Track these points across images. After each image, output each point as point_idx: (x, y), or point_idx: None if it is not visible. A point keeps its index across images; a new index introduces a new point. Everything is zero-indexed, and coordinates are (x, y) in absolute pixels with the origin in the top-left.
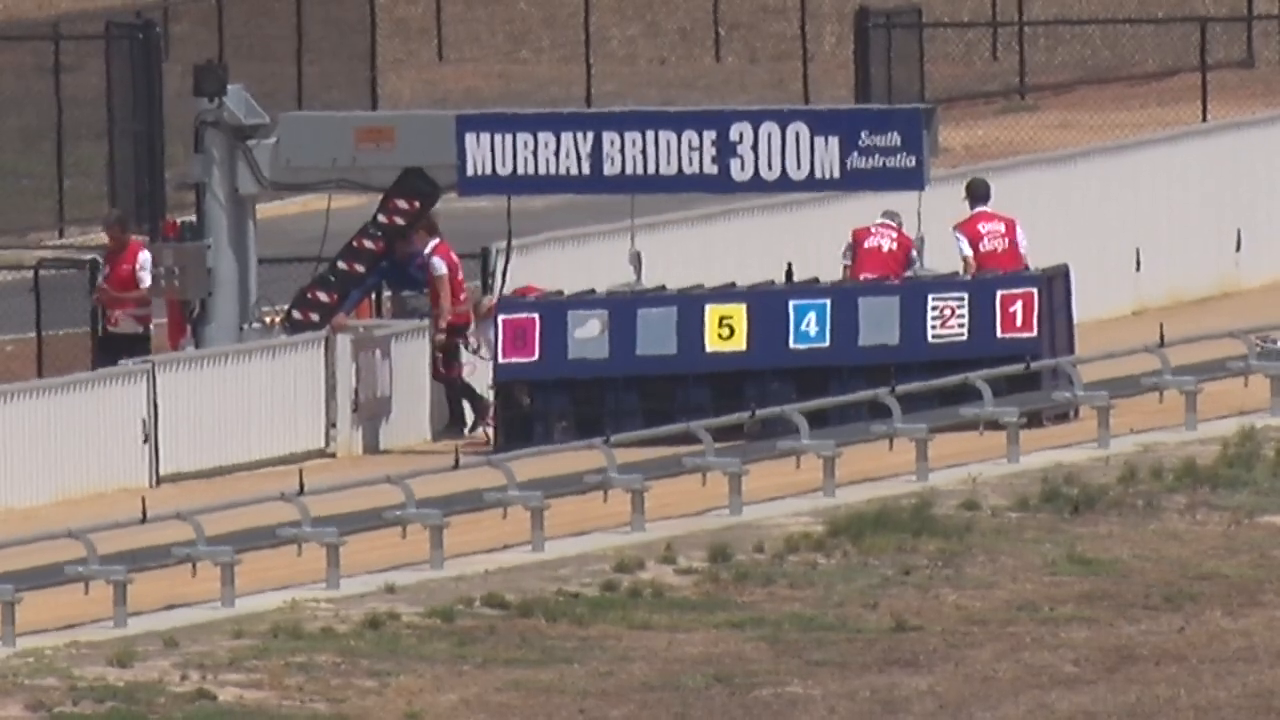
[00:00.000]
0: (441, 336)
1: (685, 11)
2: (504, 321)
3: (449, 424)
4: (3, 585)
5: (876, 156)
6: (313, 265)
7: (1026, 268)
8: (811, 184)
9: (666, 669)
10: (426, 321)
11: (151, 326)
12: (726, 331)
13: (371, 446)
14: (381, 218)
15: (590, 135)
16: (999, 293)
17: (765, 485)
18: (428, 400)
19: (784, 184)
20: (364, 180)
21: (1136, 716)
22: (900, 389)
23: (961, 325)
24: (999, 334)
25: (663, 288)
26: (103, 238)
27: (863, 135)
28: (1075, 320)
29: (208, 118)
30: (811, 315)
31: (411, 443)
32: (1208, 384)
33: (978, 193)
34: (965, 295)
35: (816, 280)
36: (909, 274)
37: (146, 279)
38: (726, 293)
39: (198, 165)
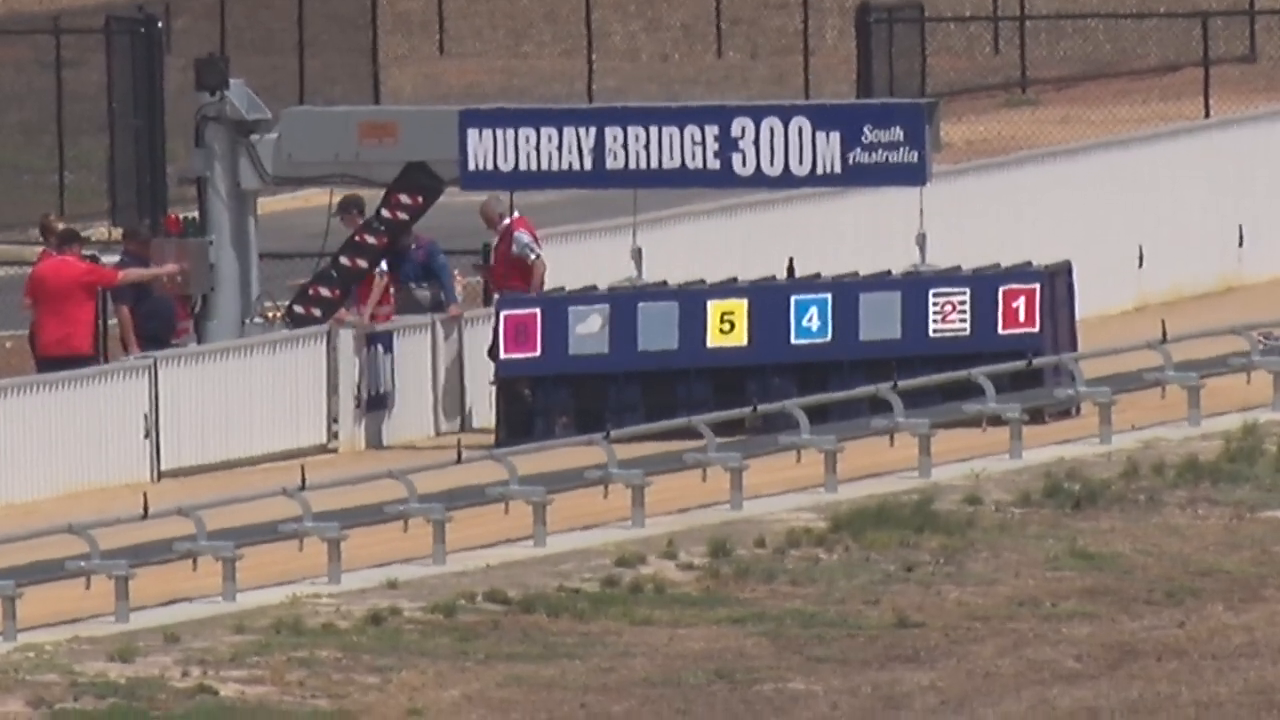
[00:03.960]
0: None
1: (687, 7)
2: (505, 317)
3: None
4: (4, 580)
5: (879, 151)
6: (314, 260)
7: None
8: (814, 179)
9: (668, 664)
10: (430, 316)
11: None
12: (728, 327)
13: (374, 441)
14: (385, 213)
15: (592, 130)
16: (1001, 288)
17: (766, 480)
18: (430, 395)
19: (786, 179)
20: (366, 175)
21: (1138, 712)
22: (902, 384)
23: (963, 320)
24: (1001, 329)
25: (664, 283)
26: (102, 232)
27: (865, 130)
28: (1077, 316)
29: (209, 112)
30: (813, 310)
31: (413, 438)
32: (1210, 379)
33: (363, 206)
34: (967, 291)
35: (818, 275)
36: (912, 268)
37: None
38: (728, 288)
39: (199, 160)
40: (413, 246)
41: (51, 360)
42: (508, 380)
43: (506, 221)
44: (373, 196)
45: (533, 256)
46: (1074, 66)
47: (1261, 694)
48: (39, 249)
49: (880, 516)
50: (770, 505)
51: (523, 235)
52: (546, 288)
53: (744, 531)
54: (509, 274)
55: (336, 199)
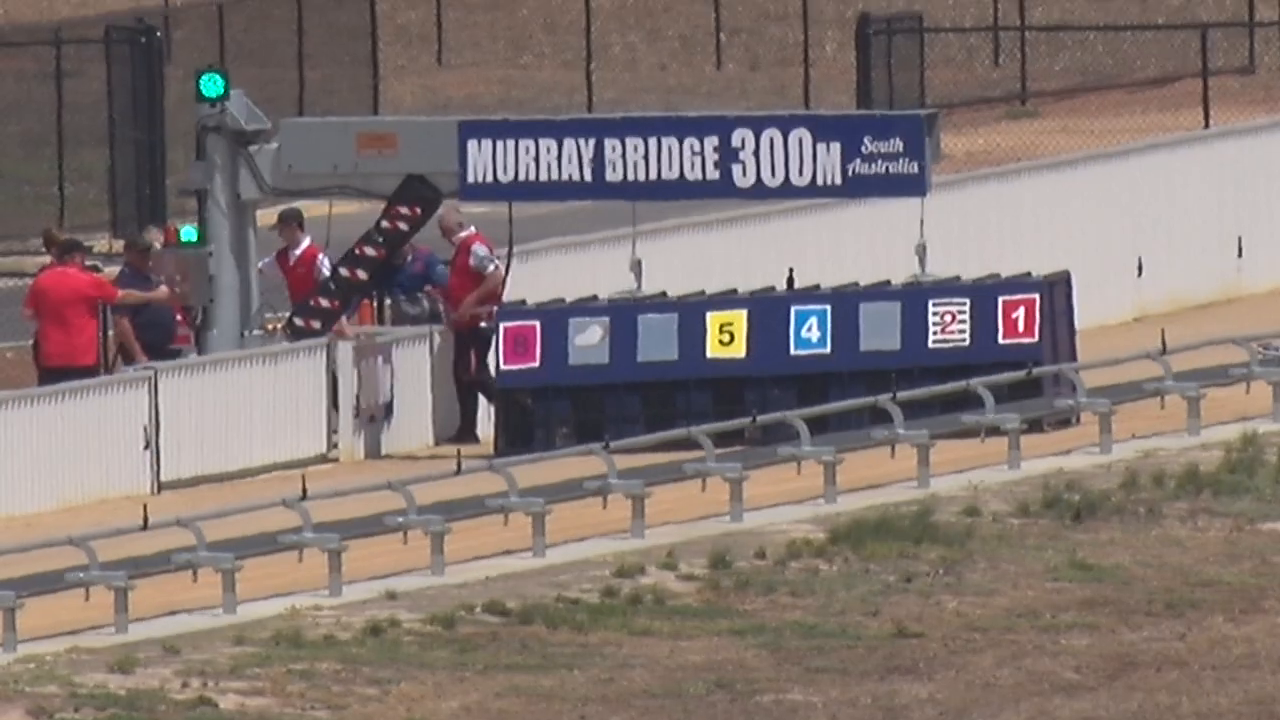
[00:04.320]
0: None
1: (686, 18)
2: (505, 329)
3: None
4: (4, 591)
5: (879, 162)
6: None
7: None
8: (814, 190)
9: (667, 676)
10: (429, 327)
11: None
12: (727, 338)
13: (373, 452)
14: (384, 224)
15: (592, 141)
16: (1001, 298)
17: (766, 491)
18: (429, 405)
19: (786, 190)
20: (366, 186)
21: None
22: (901, 395)
23: (963, 331)
24: (1001, 340)
25: (664, 294)
26: (103, 244)
27: (865, 141)
28: (1077, 326)
29: (209, 123)
30: (812, 321)
31: (413, 448)
32: (1209, 390)
33: (300, 219)
34: (967, 301)
35: (818, 286)
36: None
37: None
38: (727, 299)
39: (199, 172)
40: (409, 259)
41: (55, 371)
42: (507, 391)
43: (464, 234)
44: (373, 208)
45: (491, 268)
46: (1073, 78)
47: (1261, 705)
48: (44, 260)
49: (879, 528)
50: (770, 516)
51: (481, 248)
52: (545, 299)
53: (744, 542)
54: (464, 286)
55: (337, 210)
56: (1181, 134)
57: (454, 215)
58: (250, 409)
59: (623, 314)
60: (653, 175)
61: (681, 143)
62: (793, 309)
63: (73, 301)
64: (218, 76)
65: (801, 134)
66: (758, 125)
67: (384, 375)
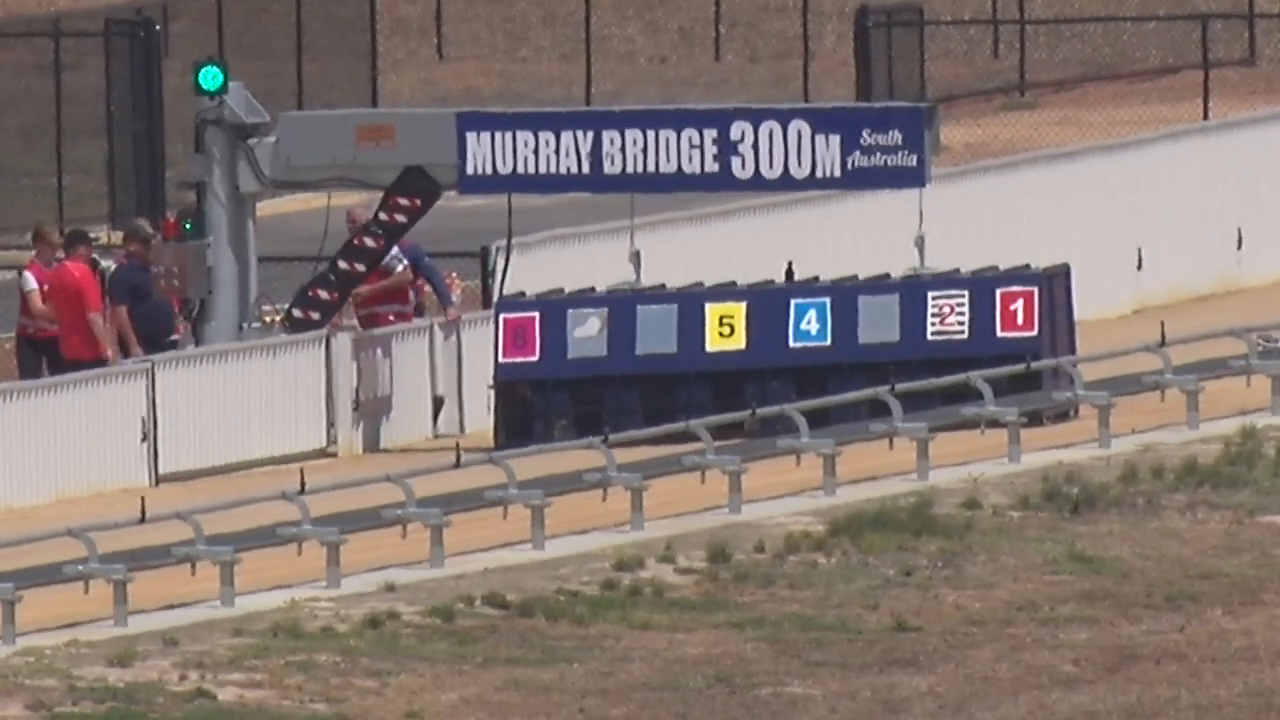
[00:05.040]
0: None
1: (686, 10)
2: (504, 320)
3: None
4: (2, 584)
5: (878, 155)
6: (313, 264)
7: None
8: (813, 182)
9: (666, 668)
10: (428, 320)
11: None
12: (726, 330)
13: (372, 445)
14: (383, 216)
15: (591, 134)
16: (999, 291)
17: (765, 484)
18: (428, 399)
19: (785, 183)
20: (365, 179)
21: (1137, 716)
22: (900, 388)
23: (961, 324)
24: (999, 333)
25: (663, 286)
26: (101, 237)
27: (864, 133)
28: (1076, 319)
29: (208, 116)
30: (812, 313)
31: (412, 441)
32: (1209, 383)
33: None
34: (965, 294)
35: (817, 279)
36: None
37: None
38: (726, 291)
39: (198, 164)
40: (393, 251)
41: (78, 365)
42: (506, 384)
43: None
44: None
45: (400, 267)
46: (1073, 69)
47: (1260, 697)
48: (30, 256)
49: (878, 520)
50: (769, 509)
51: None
52: (542, 290)
53: (743, 535)
54: (368, 283)
55: (336, 202)
56: (1181, 126)
57: (363, 213)
58: (248, 401)
59: (622, 306)
60: (651, 168)
61: (680, 135)
62: (792, 301)
63: (72, 296)
64: (216, 70)
65: (800, 126)
66: (756, 118)
67: (383, 368)
